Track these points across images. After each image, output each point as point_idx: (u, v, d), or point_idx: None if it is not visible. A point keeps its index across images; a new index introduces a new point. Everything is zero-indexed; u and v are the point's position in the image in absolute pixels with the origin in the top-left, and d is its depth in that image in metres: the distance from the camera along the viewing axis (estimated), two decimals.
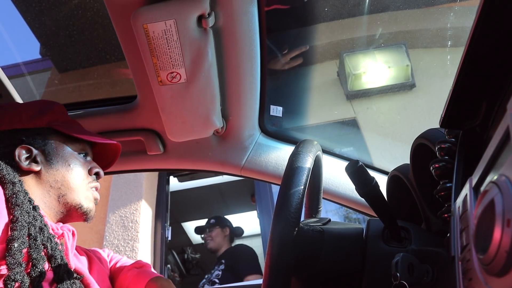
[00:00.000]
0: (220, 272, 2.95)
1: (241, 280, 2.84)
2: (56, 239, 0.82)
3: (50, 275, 0.78)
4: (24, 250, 0.73)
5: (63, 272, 0.79)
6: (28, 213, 0.77)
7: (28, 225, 0.75)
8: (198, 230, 3.45)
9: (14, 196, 0.77)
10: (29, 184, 0.87)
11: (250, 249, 3.17)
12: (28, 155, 0.89)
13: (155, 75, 0.94)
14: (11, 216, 0.75)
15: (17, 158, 0.87)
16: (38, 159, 0.90)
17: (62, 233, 0.86)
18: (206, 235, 3.31)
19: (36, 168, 0.88)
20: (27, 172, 0.88)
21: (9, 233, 0.73)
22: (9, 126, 0.90)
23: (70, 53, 2.90)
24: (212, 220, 3.36)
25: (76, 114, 1.15)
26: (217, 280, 2.88)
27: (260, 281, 2.60)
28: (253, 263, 3.01)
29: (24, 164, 0.87)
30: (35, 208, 0.81)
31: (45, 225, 0.80)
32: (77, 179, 0.92)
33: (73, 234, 0.89)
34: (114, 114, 1.14)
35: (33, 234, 0.75)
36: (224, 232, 3.28)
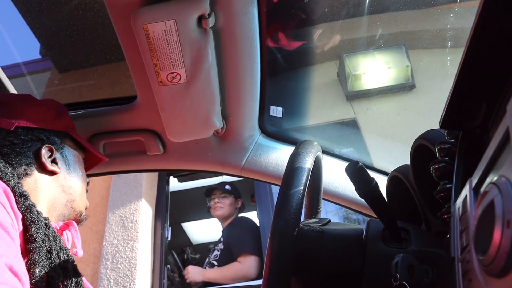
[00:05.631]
0: (218, 253, 2.81)
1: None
2: (70, 255, 0.80)
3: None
4: (44, 274, 0.69)
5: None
6: (44, 231, 0.73)
7: (45, 245, 0.71)
8: (209, 192, 3.13)
9: (29, 211, 0.72)
10: (41, 184, 0.85)
11: (246, 222, 2.92)
12: (49, 154, 0.88)
13: (155, 76, 0.94)
14: (27, 234, 0.70)
15: (43, 157, 0.86)
16: (58, 161, 0.90)
17: (61, 233, 0.85)
18: (217, 199, 2.98)
19: (58, 170, 0.88)
20: (46, 172, 0.87)
21: (28, 256, 0.68)
22: (35, 124, 0.88)
23: (70, 53, 2.90)
24: (228, 187, 3.03)
25: (76, 114, 1.15)
26: (215, 262, 2.77)
27: (257, 282, 2.59)
28: (247, 240, 2.73)
29: (49, 164, 0.86)
30: (47, 225, 0.76)
31: (64, 248, 0.77)
32: (84, 187, 0.96)
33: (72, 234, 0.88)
34: (114, 114, 1.14)
35: (53, 255, 0.72)
36: (236, 203, 3.02)
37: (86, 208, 0.97)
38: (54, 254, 0.72)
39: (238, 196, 3.07)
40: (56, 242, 0.74)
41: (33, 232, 0.70)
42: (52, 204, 0.87)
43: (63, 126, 0.94)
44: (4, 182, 0.73)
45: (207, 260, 2.91)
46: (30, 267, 0.67)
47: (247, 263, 2.64)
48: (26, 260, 0.68)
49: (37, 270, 0.67)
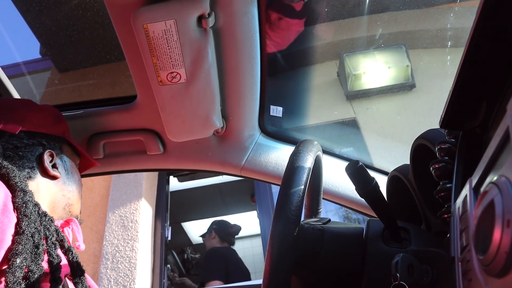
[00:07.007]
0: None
1: None
2: (68, 244, 0.81)
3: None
4: (25, 267, 0.69)
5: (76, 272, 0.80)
6: (35, 223, 0.73)
7: (33, 238, 0.71)
8: (203, 235, 3.51)
9: (24, 205, 0.73)
10: (43, 188, 0.86)
11: (209, 252, 3.13)
12: (50, 159, 0.89)
13: (155, 75, 0.94)
14: (17, 227, 0.71)
15: (45, 162, 0.87)
16: (58, 166, 0.91)
17: (63, 230, 0.86)
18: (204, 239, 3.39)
19: (59, 175, 0.89)
20: (48, 176, 0.88)
21: (13, 246, 0.68)
22: (37, 128, 0.90)
23: (70, 53, 2.90)
24: (214, 226, 3.38)
25: (76, 114, 1.15)
26: None
27: (257, 282, 2.60)
28: (209, 268, 2.94)
29: (51, 169, 0.87)
30: (45, 214, 0.77)
31: (60, 233, 0.79)
32: (80, 192, 0.97)
33: (72, 230, 0.90)
34: (114, 114, 1.14)
35: (36, 242, 0.72)
36: (209, 237, 3.32)
37: (80, 213, 0.98)
38: (40, 250, 0.72)
39: (210, 230, 3.34)
40: (50, 237, 0.75)
41: (23, 226, 0.71)
42: (52, 207, 0.88)
43: (61, 131, 0.95)
44: (10, 178, 0.75)
45: None
46: (11, 257, 0.67)
47: None
48: (9, 249, 0.68)
49: (18, 260, 0.67)
